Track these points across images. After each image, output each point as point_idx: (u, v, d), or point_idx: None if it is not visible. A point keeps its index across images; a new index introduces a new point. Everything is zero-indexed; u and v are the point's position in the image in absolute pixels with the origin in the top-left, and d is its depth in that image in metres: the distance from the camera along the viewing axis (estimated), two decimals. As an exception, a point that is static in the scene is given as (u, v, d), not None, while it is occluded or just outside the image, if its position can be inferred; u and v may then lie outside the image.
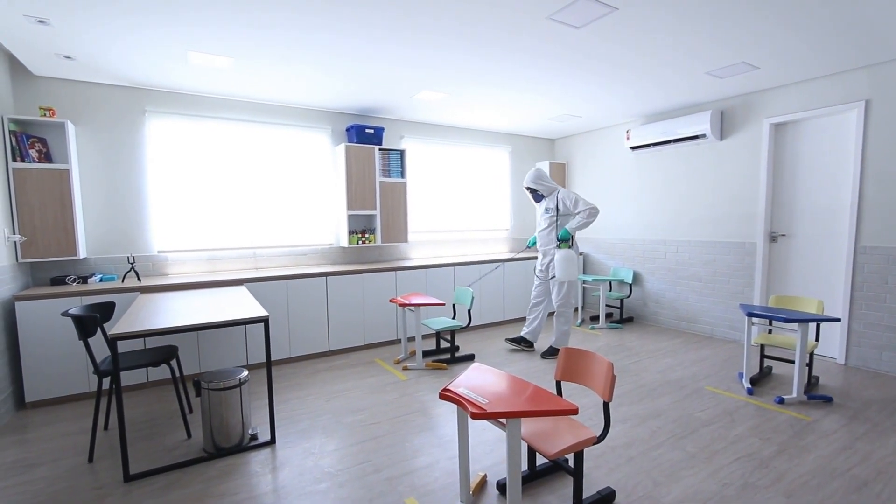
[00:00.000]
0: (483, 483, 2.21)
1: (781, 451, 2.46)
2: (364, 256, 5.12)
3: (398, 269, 4.65)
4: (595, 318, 5.65)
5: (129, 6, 2.49)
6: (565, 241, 4.01)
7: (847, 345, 3.81)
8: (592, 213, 3.90)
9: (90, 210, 3.75)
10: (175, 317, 2.49)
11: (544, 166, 6.30)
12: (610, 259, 5.90)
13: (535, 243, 4.40)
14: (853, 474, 2.23)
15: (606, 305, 5.71)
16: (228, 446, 2.51)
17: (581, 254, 6.17)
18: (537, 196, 4.22)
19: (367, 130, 4.72)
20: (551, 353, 4.17)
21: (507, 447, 1.71)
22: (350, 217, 4.79)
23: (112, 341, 2.14)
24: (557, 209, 4.08)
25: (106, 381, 3.31)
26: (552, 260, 4.11)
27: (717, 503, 2.02)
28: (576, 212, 3.98)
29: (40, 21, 2.61)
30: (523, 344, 4.34)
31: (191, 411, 3.07)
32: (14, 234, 3.24)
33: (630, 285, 5.53)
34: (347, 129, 4.81)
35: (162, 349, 2.82)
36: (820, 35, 2.98)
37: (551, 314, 5.47)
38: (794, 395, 3.08)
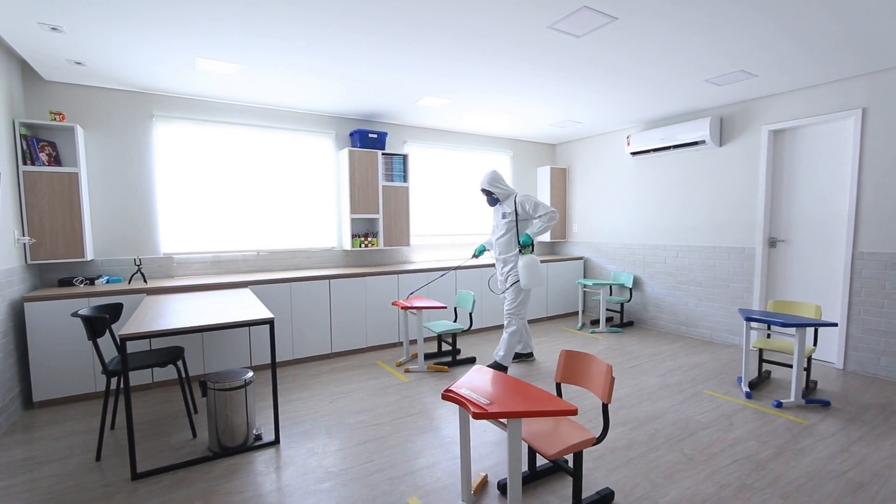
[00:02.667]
0: (484, 483, 2.24)
1: (779, 453, 2.49)
2: (366, 260, 5.17)
3: (400, 272, 4.70)
4: (595, 322, 5.69)
5: (142, 16, 2.55)
6: (527, 246, 3.76)
7: (845, 349, 3.84)
8: (552, 216, 3.69)
9: (98, 212, 3.81)
10: (182, 318, 2.54)
11: (545, 171, 6.36)
12: (610, 263, 5.94)
13: (482, 251, 4.15)
14: (849, 477, 2.26)
15: (607, 309, 5.75)
16: (233, 446, 2.55)
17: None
18: (492, 199, 3.91)
19: (370, 135, 4.78)
20: (494, 368, 3.87)
21: (508, 447, 1.75)
22: (353, 220, 4.85)
23: (122, 342, 2.19)
24: (516, 213, 3.78)
25: (113, 382, 3.35)
26: (513, 268, 3.81)
27: (714, 504, 2.06)
28: (536, 216, 3.74)
29: (54, 28, 2.68)
30: (522, 357, 4.17)
31: (196, 411, 3.11)
32: (24, 235, 3.30)
33: (630, 289, 5.57)
34: (351, 134, 4.88)
35: (168, 350, 2.86)
36: (817, 43, 3.03)
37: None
38: (792, 399, 3.12)
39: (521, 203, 3.77)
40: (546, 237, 6.41)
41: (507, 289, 3.86)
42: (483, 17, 2.61)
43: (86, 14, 2.52)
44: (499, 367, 3.77)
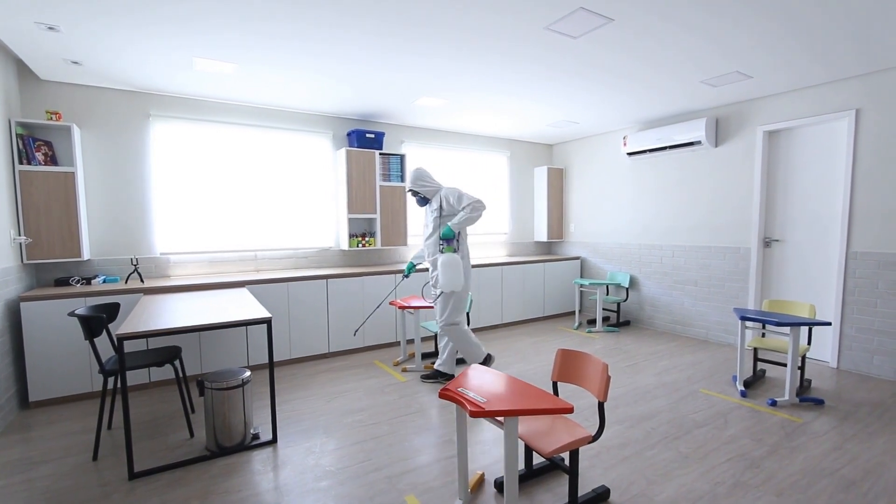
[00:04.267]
0: (481, 481, 2.26)
1: (773, 451, 2.52)
2: (364, 259, 5.17)
3: (398, 272, 4.70)
4: (592, 322, 5.71)
5: (139, 14, 2.55)
6: (449, 241, 3.41)
7: (839, 348, 3.87)
8: (476, 206, 3.38)
9: (94, 212, 3.80)
10: (179, 318, 2.54)
11: (542, 171, 6.37)
12: (607, 263, 5.97)
13: (412, 269, 3.84)
14: (842, 474, 2.29)
15: (603, 309, 5.77)
16: (231, 445, 2.55)
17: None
18: (422, 200, 3.61)
19: (367, 135, 4.79)
20: (434, 377, 3.62)
21: (505, 445, 1.76)
22: (350, 220, 4.85)
23: (119, 341, 2.19)
24: (441, 209, 3.50)
25: (110, 381, 3.34)
26: None
27: (708, 501, 2.08)
28: (460, 208, 3.45)
29: (50, 28, 2.67)
30: (440, 378, 3.66)
31: (193, 411, 3.11)
32: (20, 235, 3.29)
33: (627, 289, 5.60)
34: (348, 134, 4.88)
35: (165, 349, 2.86)
36: (811, 45, 3.06)
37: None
38: (787, 397, 3.14)
39: (444, 197, 3.49)
40: (543, 236, 6.43)
41: (438, 297, 3.53)
42: (481, 17, 2.62)
43: (82, 13, 2.52)
44: (438, 374, 3.61)
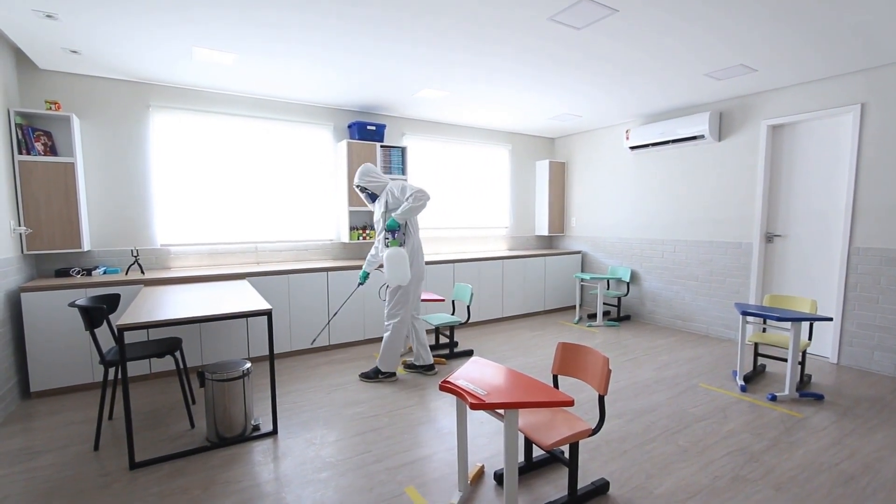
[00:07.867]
0: (481, 474, 2.26)
1: (772, 446, 2.52)
2: (364, 252, 5.16)
3: (398, 265, 4.69)
4: (593, 316, 5.71)
5: (138, 3, 2.52)
6: (393, 232, 3.42)
7: (840, 344, 3.87)
8: (419, 196, 3.35)
9: (94, 203, 3.79)
10: (180, 309, 2.53)
11: (544, 165, 6.35)
12: (608, 258, 5.96)
13: (366, 278, 3.66)
14: (840, 469, 2.29)
15: (604, 303, 5.77)
16: (231, 436, 2.56)
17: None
18: (370, 196, 3.61)
19: (368, 127, 4.76)
20: (371, 376, 3.52)
21: (505, 437, 1.76)
22: (351, 213, 4.83)
23: (119, 332, 2.19)
24: (387, 203, 3.49)
25: (111, 372, 3.35)
26: None
27: (707, 495, 2.08)
28: (404, 199, 3.42)
29: (48, 16, 2.65)
30: (421, 369, 3.71)
31: (194, 402, 3.12)
32: (20, 226, 3.28)
33: (627, 284, 5.59)
34: (349, 126, 4.85)
35: (166, 341, 2.86)
36: (817, 39, 3.03)
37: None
38: (787, 392, 3.14)
39: (390, 191, 3.48)
40: (545, 230, 6.41)
41: (388, 289, 3.53)
42: (483, 8, 2.59)
43: (80, 1, 2.49)
44: (377, 373, 3.51)
